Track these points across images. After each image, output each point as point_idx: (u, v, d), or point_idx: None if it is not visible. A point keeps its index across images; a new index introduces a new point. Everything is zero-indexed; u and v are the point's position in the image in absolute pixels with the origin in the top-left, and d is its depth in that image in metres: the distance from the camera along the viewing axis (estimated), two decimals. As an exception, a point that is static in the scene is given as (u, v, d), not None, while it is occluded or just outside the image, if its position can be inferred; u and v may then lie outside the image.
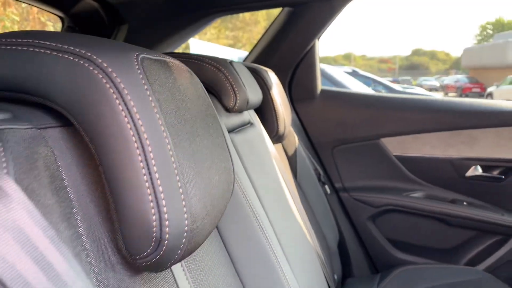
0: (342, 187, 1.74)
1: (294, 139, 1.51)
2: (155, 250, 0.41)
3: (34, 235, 0.30)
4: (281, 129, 1.22)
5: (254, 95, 0.98)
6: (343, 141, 1.74)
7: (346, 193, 1.72)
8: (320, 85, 1.77)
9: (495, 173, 1.62)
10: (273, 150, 1.12)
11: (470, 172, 1.64)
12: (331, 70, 4.29)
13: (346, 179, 1.74)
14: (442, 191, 1.67)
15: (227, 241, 0.74)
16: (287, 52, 1.68)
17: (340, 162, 1.74)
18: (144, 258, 0.42)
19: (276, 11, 1.73)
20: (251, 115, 1.10)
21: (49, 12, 1.45)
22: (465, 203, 1.64)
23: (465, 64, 27.95)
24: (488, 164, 1.62)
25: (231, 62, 0.93)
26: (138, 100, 0.41)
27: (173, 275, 0.53)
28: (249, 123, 1.06)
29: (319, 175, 1.63)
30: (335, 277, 1.43)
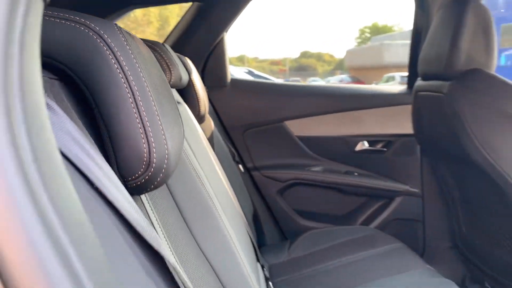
0: (253, 166, 1.92)
1: (210, 123, 1.66)
2: (144, 172, 0.54)
3: (81, 139, 0.41)
4: (202, 110, 1.36)
5: (184, 74, 1.11)
6: (252, 125, 1.93)
7: (257, 171, 1.92)
8: (230, 74, 1.93)
9: (378, 146, 1.93)
10: (199, 128, 1.25)
11: (358, 147, 1.94)
12: (232, 70, 4.58)
13: (256, 159, 1.93)
14: (337, 164, 1.94)
15: (176, 195, 0.86)
16: (198, 44, 1.82)
17: (250, 144, 1.93)
18: (136, 179, 0.54)
19: (167, 12, 1.87)
20: (176, 95, 1.22)
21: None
22: (356, 173, 1.92)
23: (348, 65, 30.25)
24: (372, 140, 1.93)
25: (163, 44, 1.05)
26: (125, 57, 0.53)
27: (145, 208, 0.65)
28: (177, 102, 1.18)
29: (233, 156, 1.80)
30: None
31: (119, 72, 0.52)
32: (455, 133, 1.37)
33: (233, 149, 1.85)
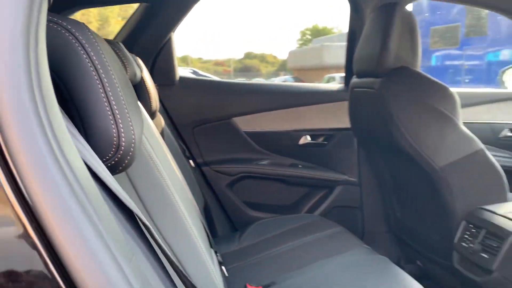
0: (203, 162, 2.00)
1: (160, 120, 1.71)
2: (114, 155, 0.61)
3: (66, 122, 0.48)
4: (154, 106, 1.41)
5: (138, 71, 1.17)
6: (201, 122, 2.01)
7: (207, 166, 1.99)
8: (178, 73, 2.00)
9: (320, 140, 2.07)
10: (152, 123, 1.31)
11: (302, 141, 2.07)
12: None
13: (206, 154, 2.01)
14: (283, 158, 2.06)
15: (134, 181, 0.92)
16: (147, 43, 1.88)
17: (200, 140, 2.01)
18: (106, 162, 0.61)
19: (107, 12, 1.92)
20: None
21: None
22: (300, 166, 2.05)
23: (291, 66, 30.71)
24: (314, 134, 2.06)
25: (117, 42, 1.10)
26: (94, 52, 0.60)
27: None
28: None
29: (184, 152, 1.86)
30: None
31: (90, 66, 0.59)
32: (386, 125, 1.52)
33: (183, 145, 1.91)
